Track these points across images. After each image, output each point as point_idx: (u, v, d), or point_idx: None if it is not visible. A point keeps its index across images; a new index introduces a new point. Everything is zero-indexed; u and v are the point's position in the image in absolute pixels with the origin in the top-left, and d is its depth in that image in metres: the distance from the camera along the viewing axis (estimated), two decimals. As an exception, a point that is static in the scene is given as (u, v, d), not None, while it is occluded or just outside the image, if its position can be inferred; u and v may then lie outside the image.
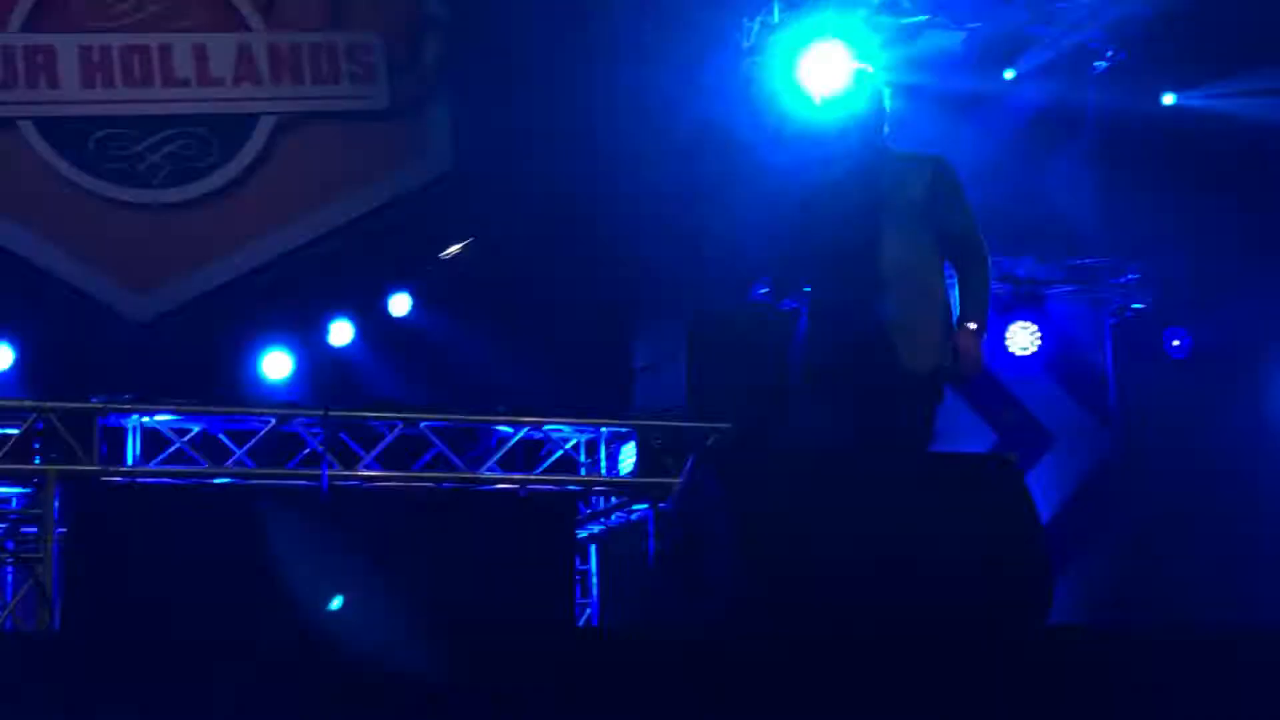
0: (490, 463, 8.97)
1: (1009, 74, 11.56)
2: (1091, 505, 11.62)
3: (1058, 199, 12.06)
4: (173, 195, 11.76)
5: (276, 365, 11.25)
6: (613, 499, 9.53)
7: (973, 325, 5.86)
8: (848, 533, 4.66)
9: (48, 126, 11.65)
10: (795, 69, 10.93)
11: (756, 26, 10.94)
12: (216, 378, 11.22)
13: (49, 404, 8.46)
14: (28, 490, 8.52)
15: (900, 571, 4.53)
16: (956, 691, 4.00)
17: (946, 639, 4.17)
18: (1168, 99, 11.77)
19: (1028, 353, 11.40)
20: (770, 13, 10.86)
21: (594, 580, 9.72)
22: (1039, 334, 11.34)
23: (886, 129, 6.10)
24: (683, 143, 11.65)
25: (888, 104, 6.13)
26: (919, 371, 5.79)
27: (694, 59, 11.10)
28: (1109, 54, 11.60)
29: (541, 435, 9.11)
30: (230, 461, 8.69)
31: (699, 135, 11.21)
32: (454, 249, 11.86)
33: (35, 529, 8.42)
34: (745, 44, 11.32)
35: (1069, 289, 11.75)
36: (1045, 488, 11.51)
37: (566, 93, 11.38)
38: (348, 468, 8.83)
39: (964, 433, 11.58)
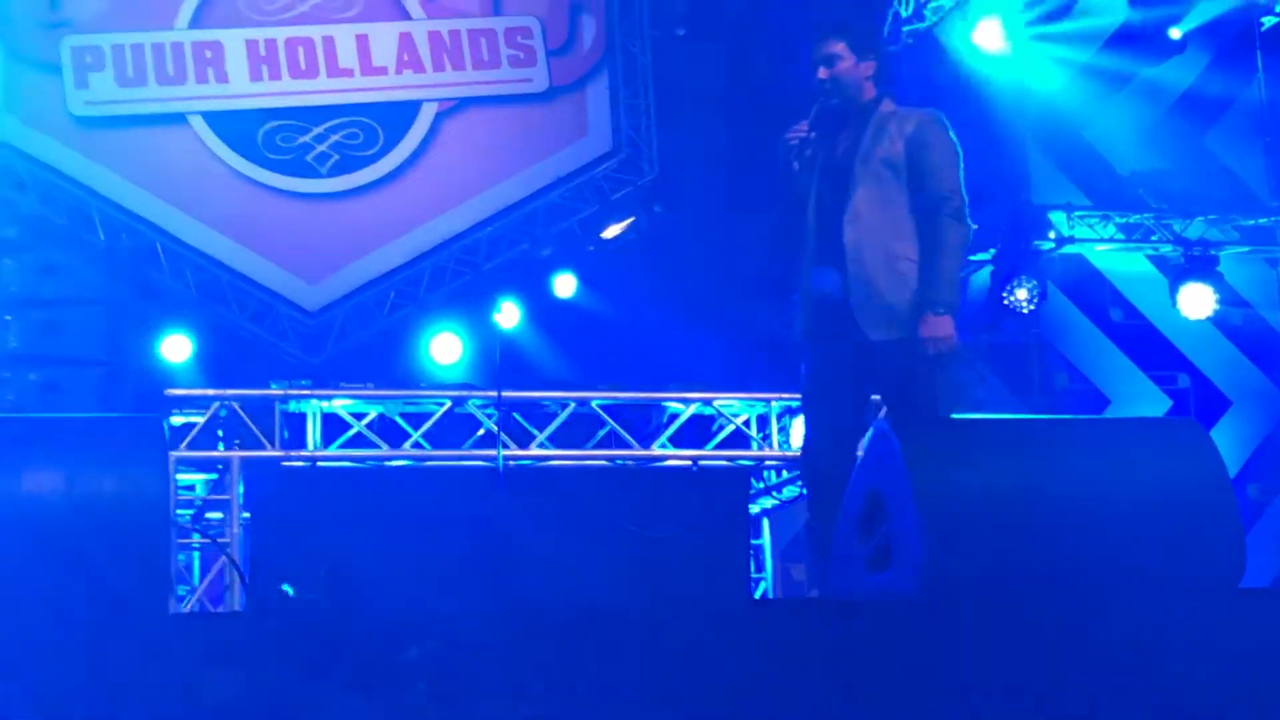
0: (662, 439, 9.00)
1: (1176, 31, 11.35)
2: (1270, 470, 11.41)
3: (1227, 159, 11.84)
4: (340, 184, 11.91)
5: (447, 348, 11.35)
6: (785, 473, 9.50)
7: (929, 313, 5.49)
8: (1038, 499, 4.60)
9: (217, 120, 11.83)
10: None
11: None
12: (390, 362, 11.37)
13: (230, 391, 8.61)
14: (213, 476, 8.67)
15: (1093, 538, 4.47)
16: (1153, 657, 3.95)
17: (1144, 604, 4.12)
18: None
19: (1202, 316, 11.17)
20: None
21: (768, 554, 9.71)
22: (1213, 297, 11.09)
23: (872, 85, 5.74)
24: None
25: (874, 57, 5.78)
26: (879, 342, 5.52)
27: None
28: (1278, 8, 11.37)
29: (713, 411, 9.11)
30: (407, 444, 8.78)
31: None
32: (616, 228, 11.90)
33: (221, 513, 8.59)
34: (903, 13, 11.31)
35: (1242, 250, 11.52)
36: (1222, 453, 11.32)
37: (724, 67, 11.38)
38: (521, 448, 8.90)
39: (1138, 398, 11.46)
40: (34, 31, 11.61)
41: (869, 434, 5.06)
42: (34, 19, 11.61)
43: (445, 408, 8.81)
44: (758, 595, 9.19)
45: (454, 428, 8.85)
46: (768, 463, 9.35)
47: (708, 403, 9.06)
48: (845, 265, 5.61)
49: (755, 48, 11.40)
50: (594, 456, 8.85)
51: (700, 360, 10.50)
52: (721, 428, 9.17)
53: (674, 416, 9.04)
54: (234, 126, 11.83)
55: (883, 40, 6.04)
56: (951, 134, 5.70)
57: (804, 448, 5.89)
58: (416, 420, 8.81)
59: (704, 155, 11.97)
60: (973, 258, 11.33)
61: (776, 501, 9.77)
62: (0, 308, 9.38)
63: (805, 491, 6.17)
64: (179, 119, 11.79)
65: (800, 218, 5.78)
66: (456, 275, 11.93)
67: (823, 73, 5.70)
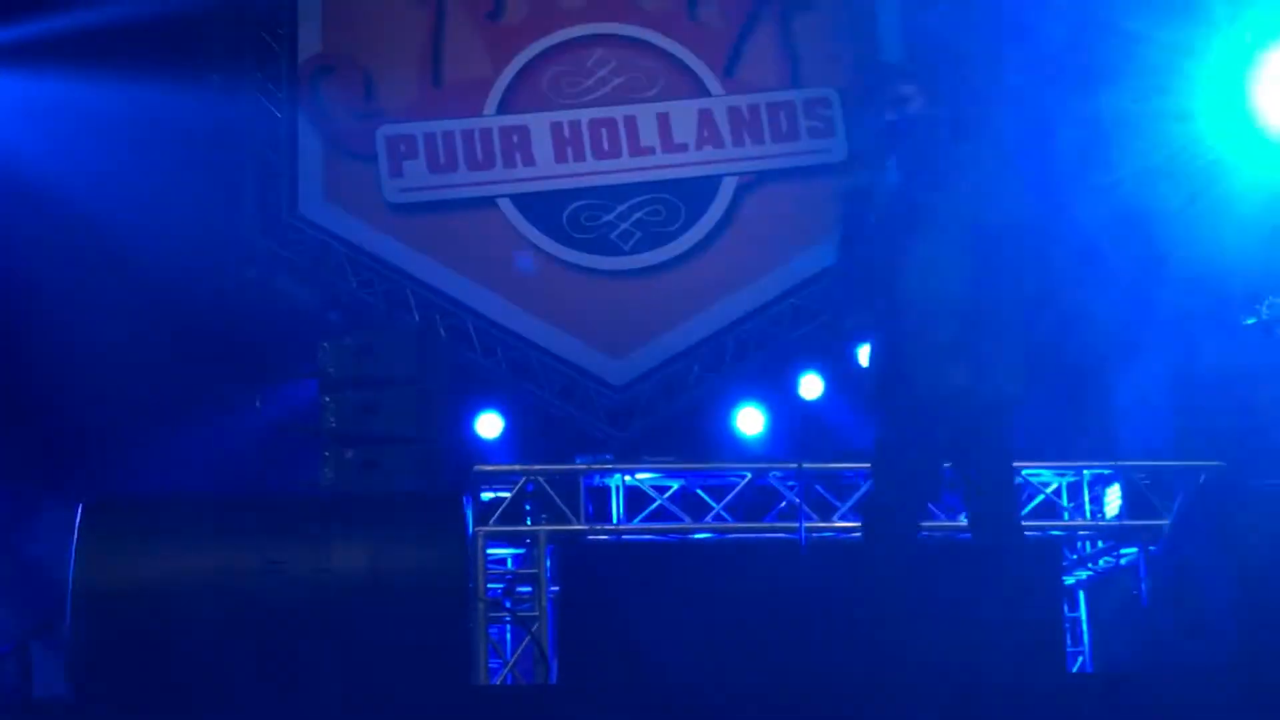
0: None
1: None
2: None
3: None
4: (643, 260, 12.01)
5: (749, 420, 11.33)
6: (1099, 543, 9.23)
7: None
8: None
9: (524, 202, 12.05)
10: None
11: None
12: (692, 435, 11.40)
13: (536, 467, 8.71)
14: (521, 550, 8.78)
15: None
16: None
17: None
18: None
19: None
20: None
21: (1084, 627, 9.42)
22: None
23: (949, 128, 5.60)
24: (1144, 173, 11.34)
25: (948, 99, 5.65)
26: (983, 394, 5.38)
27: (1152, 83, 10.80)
28: None
29: (1020, 480, 8.90)
30: (709, 517, 8.77)
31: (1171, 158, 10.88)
32: None
33: (530, 587, 8.68)
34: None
35: None
36: None
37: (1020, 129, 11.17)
38: (824, 519, 8.81)
39: None
40: (351, 123, 12.05)
41: (1177, 503, 4.93)
42: (351, 111, 12.05)
43: (746, 480, 8.78)
44: (1074, 669, 8.92)
45: (756, 500, 8.82)
46: (1080, 533, 9.10)
47: (1016, 472, 8.86)
48: (958, 325, 5.41)
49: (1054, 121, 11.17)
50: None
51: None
52: (1031, 497, 8.94)
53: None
54: (540, 207, 12.04)
55: (954, 81, 5.70)
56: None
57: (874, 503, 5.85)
58: (718, 493, 8.80)
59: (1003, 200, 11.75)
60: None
61: (1091, 572, 9.49)
62: (320, 389, 9.66)
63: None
64: (488, 202, 12.06)
65: (863, 258, 5.64)
66: (759, 347, 11.92)
67: (892, 114, 5.58)
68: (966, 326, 5.37)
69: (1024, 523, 8.76)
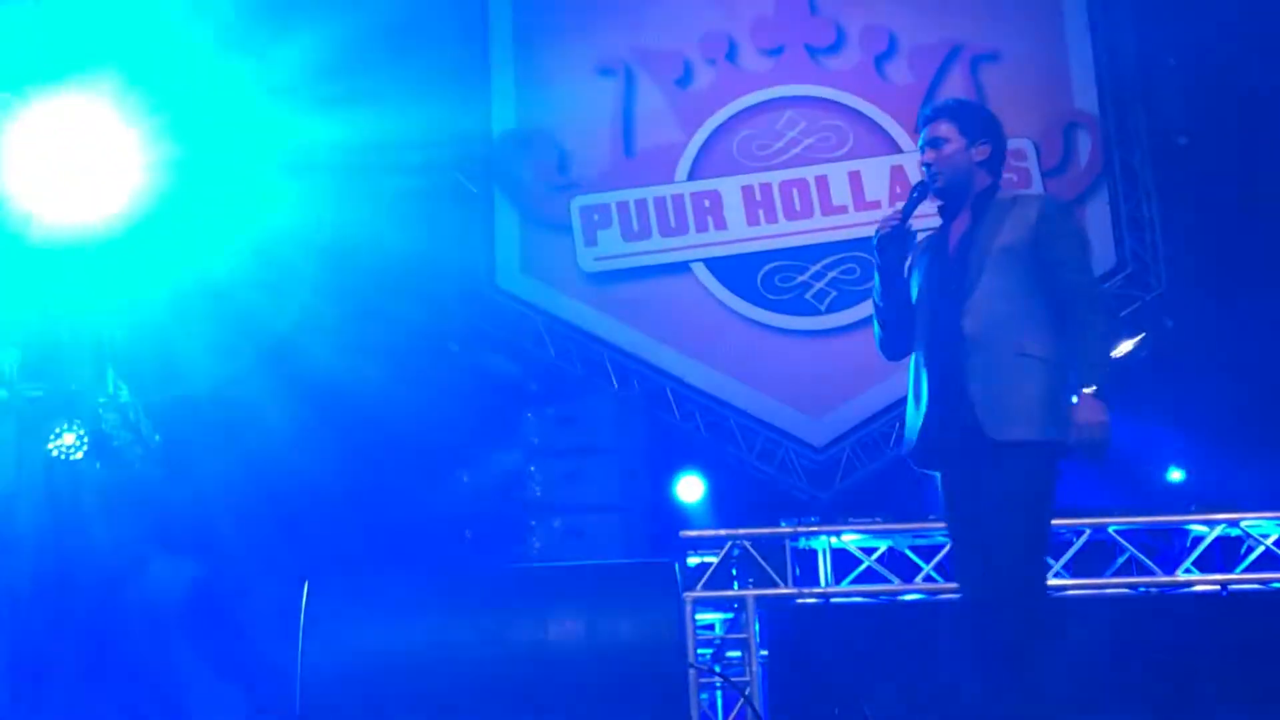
0: (1186, 564, 8.62)
1: None
2: None
3: None
4: (839, 319, 11.97)
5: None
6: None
7: (1086, 390, 5.07)
8: None
9: (718, 266, 12.12)
10: None
11: None
12: (896, 494, 11.29)
13: (741, 531, 8.67)
14: (729, 614, 8.76)
15: None
16: None
17: None
18: None
19: None
20: None
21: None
22: None
23: (986, 173, 5.45)
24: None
25: (988, 142, 5.46)
26: (1007, 442, 5.08)
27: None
28: None
29: (1239, 531, 8.67)
30: (920, 577, 8.67)
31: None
32: (1127, 345, 11.54)
33: (740, 651, 8.66)
34: None
35: None
36: None
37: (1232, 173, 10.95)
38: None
39: None
40: (545, 195, 12.23)
41: None
42: (545, 183, 12.23)
43: (956, 539, 8.69)
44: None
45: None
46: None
47: (1234, 524, 8.63)
48: (965, 362, 5.23)
49: (1261, 150, 10.94)
50: (1114, 585, 8.52)
51: (1225, 478, 10.05)
52: (1251, 549, 8.71)
53: (1198, 540, 8.65)
54: (734, 270, 12.09)
55: (998, 126, 5.52)
56: (1075, 220, 5.57)
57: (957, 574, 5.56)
58: (927, 553, 8.71)
59: (1215, 265, 11.52)
60: None
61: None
62: (525, 458, 9.76)
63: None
64: (682, 268, 12.14)
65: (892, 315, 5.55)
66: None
67: (928, 155, 5.46)
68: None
69: (1247, 576, 8.56)
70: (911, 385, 5.43)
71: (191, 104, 10.47)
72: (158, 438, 11.03)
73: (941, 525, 8.79)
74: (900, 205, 5.40)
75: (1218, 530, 8.61)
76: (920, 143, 5.51)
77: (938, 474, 5.43)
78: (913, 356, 5.46)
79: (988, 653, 5.11)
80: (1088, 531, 8.59)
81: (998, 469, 5.10)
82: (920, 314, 5.45)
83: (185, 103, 10.36)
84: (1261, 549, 8.65)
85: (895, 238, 5.42)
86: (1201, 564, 8.61)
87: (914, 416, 5.37)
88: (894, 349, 5.61)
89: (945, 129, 5.43)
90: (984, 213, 5.36)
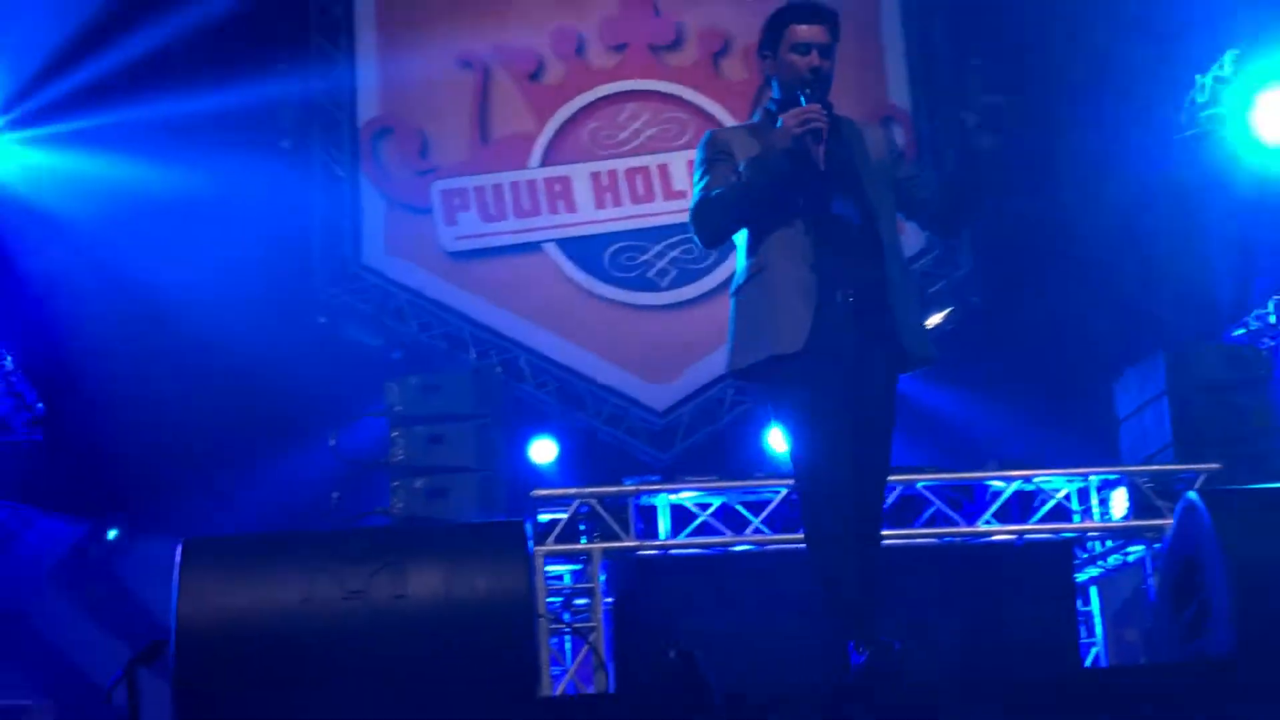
0: (986, 516, 8.82)
1: None
2: None
3: None
4: (679, 295, 12.08)
5: (780, 439, 11.37)
6: (1108, 543, 9.22)
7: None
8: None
9: (568, 245, 12.17)
10: (1249, 118, 10.54)
11: (1209, 81, 10.60)
12: (729, 455, 11.44)
13: (589, 490, 8.73)
14: (577, 566, 8.83)
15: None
16: None
17: None
18: None
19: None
20: (1222, 66, 10.51)
21: (1097, 620, 9.41)
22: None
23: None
24: (1140, 195, 11.40)
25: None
26: (919, 358, 4.88)
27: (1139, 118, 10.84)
28: None
29: (1033, 487, 8.90)
30: (749, 530, 8.79)
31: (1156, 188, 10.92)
32: (936, 318, 11.78)
33: (586, 600, 8.73)
34: (1199, 99, 10.97)
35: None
36: None
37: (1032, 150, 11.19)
38: (857, 529, 8.83)
39: None
40: (408, 179, 12.19)
41: (1179, 504, 4.93)
42: (407, 169, 12.19)
43: (782, 495, 8.80)
44: (1089, 661, 8.92)
45: (792, 514, 8.84)
46: (1090, 534, 9.09)
47: (1028, 480, 8.86)
48: (886, 273, 4.84)
49: (1054, 148, 11.16)
50: (922, 535, 8.70)
51: (1021, 437, 10.30)
52: (1043, 503, 8.95)
53: (996, 494, 8.86)
54: (583, 250, 12.16)
55: None
56: None
57: (808, 469, 4.84)
58: (757, 508, 8.82)
59: (1014, 248, 11.75)
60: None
61: (1102, 570, 9.49)
62: (389, 425, 9.73)
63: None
64: (535, 247, 12.17)
65: (787, 212, 4.83)
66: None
67: (818, 60, 4.89)
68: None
69: (1040, 526, 8.79)
70: (791, 287, 4.80)
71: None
72: (39, 406, 10.87)
73: (768, 482, 8.95)
74: (813, 110, 4.74)
75: (1014, 485, 8.82)
76: (807, 42, 4.91)
77: (802, 375, 4.78)
78: (773, 253, 4.86)
79: (854, 531, 4.78)
80: (899, 488, 8.76)
81: (890, 383, 4.92)
82: (804, 213, 4.82)
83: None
84: (1053, 502, 8.90)
85: (818, 134, 4.75)
86: (1000, 516, 8.82)
87: (794, 318, 4.76)
88: (722, 238, 5.09)
89: (829, 38, 4.95)
90: (838, 126, 4.88)
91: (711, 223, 5.02)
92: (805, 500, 4.89)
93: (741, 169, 4.90)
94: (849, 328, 4.78)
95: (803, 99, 4.82)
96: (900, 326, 4.86)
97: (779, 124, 4.83)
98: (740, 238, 5.02)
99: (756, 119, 5.21)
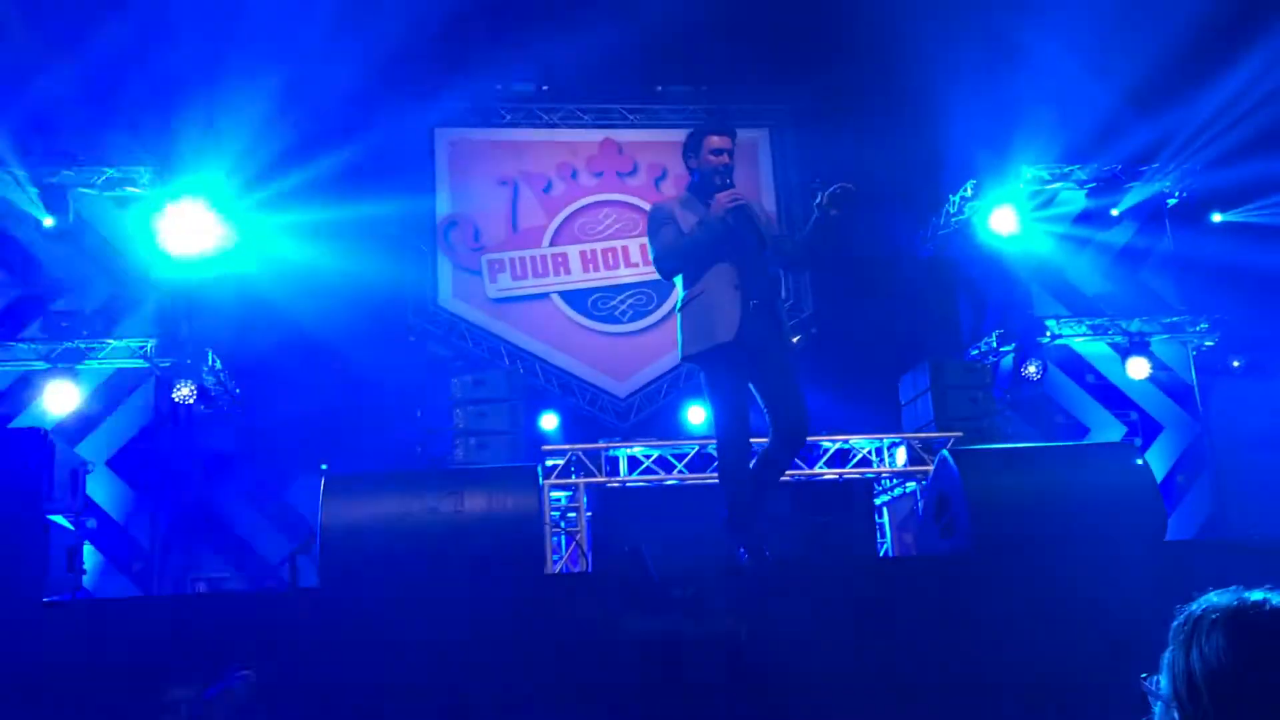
0: (821, 463, 8.89)
1: (1115, 210, 11.00)
2: (1187, 466, 10.83)
3: (1152, 285, 11.39)
4: (634, 326, 12.02)
5: (697, 415, 11.42)
6: (894, 481, 9.31)
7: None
8: (1042, 493, 4.48)
9: (566, 295, 12.09)
10: (986, 221, 10.58)
11: (958, 198, 10.65)
12: (665, 425, 11.46)
13: (577, 446, 8.78)
14: (569, 494, 8.86)
15: (1073, 512, 4.33)
16: (1105, 583, 3.80)
17: (1099, 550, 3.97)
18: (1216, 218, 11.05)
19: (1143, 376, 10.68)
20: (966, 190, 10.56)
21: (888, 529, 9.50)
22: (1148, 364, 10.61)
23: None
24: (916, 266, 11.37)
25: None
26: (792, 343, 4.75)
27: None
28: (1176, 194, 10.94)
29: (849, 446, 8.98)
30: (675, 472, 8.84)
31: (926, 262, 10.89)
32: (796, 339, 11.79)
33: (575, 515, 8.76)
34: (951, 210, 11.02)
35: (1164, 336, 11.01)
36: (1159, 458, 10.75)
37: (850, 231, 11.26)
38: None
39: (1106, 428, 10.96)
40: (466, 253, 12.14)
41: (937, 457, 4.97)
42: (465, 246, 12.14)
43: (695, 450, 8.87)
44: (882, 553, 8.98)
45: (702, 461, 8.90)
46: (883, 475, 9.18)
47: (846, 441, 8.94)
48: (773, 292, 4.72)
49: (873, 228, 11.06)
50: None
51: (844, 413, 10.36)
52: (855, 455, 9.03)
53: (826, 450, 8.93)
54: (575, 299, 12.08)
55: None
56: None
57: (726, 427, 4.61)
58: (680, 458, 8.87)
59: (840, 290, 11.71)
60: (1002, 348, 11.03)
61: (891, 497, 9.57)
62: (453, 404, 9.70)
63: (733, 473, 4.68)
64: (545, 296, 12.11)
65: (720, 255, 4.62)
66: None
67: (728, 159, 4.76)
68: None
69: (853, 470, 8.82)
70: (724, 300, 4.59)
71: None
72: (238, 390, 10.81)
73: (687, 442, 8.98)
74: (736, 192, 4.65)
75: (837, 444, 8.91)
76: (720, 148, 4.73)
77: (732, 359, 4.59)
78: (711, 280, 4.63)
79: (766, 479, 4.64)
80: (698, 448, 8.74)
81: (785, 351, 4.68)
82: (730, 255, 4.63)
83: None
84: (859, 455, 8.97)
85: (741, 209, 4.66)
86: (828, 463, 8.90)
87: (728, 319, 4.57)
88: (679, 272, 4.75)
89: (732, 144, 4.80)
90: (746, 202, 4.71)
91: (674, 264, 4.74)
92: (722, 448, 4.68)
93: (687, 229, 4.71)
94: (759, 322, 4.63)
95: (728, 184, 4.69)
96: (781, 319, 4.75)
97: (712, 201, 4.66)
98: (678, 276, 4.82)
99: (683, 198, 4.88)
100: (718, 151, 4.77)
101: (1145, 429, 10.93)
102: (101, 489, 9.83)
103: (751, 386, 4.69)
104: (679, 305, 4.84)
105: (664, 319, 12.03)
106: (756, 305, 4.64)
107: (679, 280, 4.82)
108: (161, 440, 10.17)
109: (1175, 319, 11.09)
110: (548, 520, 8.06)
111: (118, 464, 10.06)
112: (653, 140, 12.50)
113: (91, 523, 9.50)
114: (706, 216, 4.67)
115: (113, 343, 10.09)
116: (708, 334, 4.64)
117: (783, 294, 4.82)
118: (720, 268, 4.65)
